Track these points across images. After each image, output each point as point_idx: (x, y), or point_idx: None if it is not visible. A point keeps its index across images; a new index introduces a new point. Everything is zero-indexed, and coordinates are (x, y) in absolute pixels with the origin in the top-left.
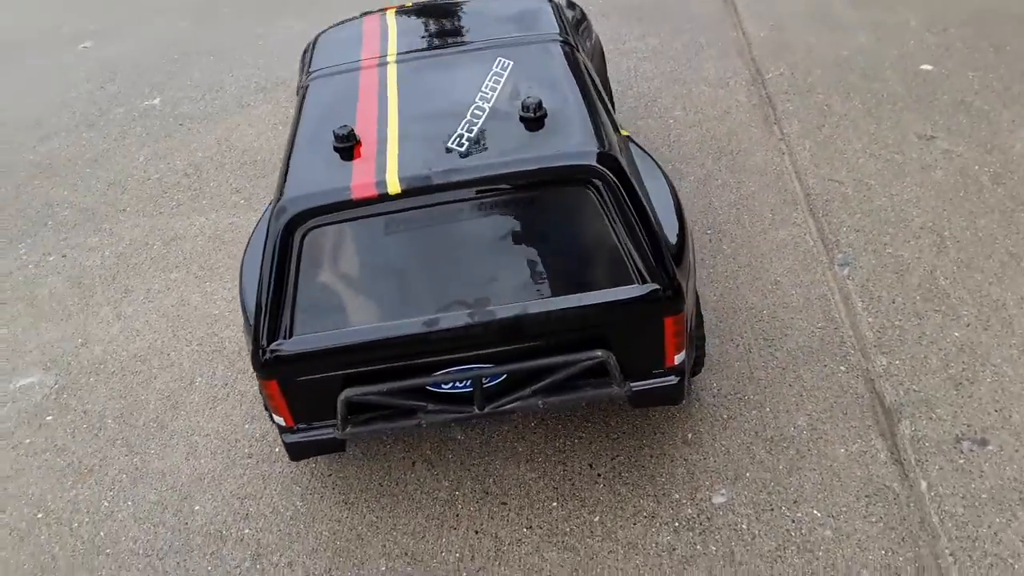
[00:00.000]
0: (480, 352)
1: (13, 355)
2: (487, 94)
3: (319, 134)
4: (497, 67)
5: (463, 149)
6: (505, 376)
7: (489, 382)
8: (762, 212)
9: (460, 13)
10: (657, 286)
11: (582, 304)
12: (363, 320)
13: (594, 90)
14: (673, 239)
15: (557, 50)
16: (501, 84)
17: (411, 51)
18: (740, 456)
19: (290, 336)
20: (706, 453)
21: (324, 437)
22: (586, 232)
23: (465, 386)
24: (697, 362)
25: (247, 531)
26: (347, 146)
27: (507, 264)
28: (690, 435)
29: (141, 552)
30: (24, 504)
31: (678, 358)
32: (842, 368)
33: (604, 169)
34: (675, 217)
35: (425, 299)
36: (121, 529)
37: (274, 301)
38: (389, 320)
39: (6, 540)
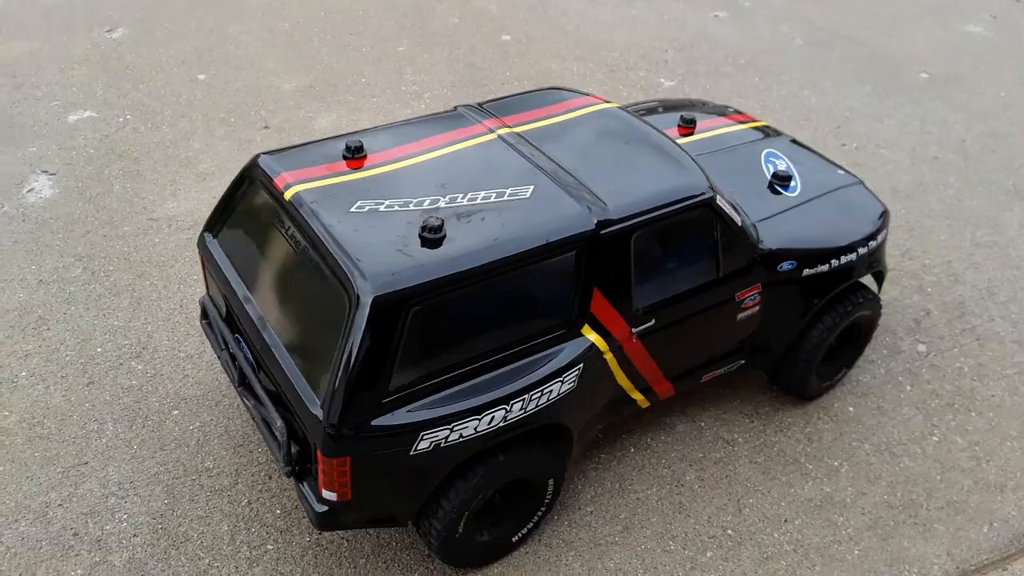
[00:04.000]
0: (252, 342)
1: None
2: (457, 198)
3: (382, 136)
4: (519, 184)
5: (355, 211)
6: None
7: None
8: None
9: (632, 132)
10: (320, 416)
11: (282, 365)
12: (232, 259)
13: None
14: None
15: (578, 221)
16: (490, 199)
17: (521, 137)
18: None
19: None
20: None
21: None
22: (332, 321)
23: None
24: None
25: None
26: (347, 155)
27: (297, 307)
28: None
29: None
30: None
31: (327, 494)
32: None
33: (365, 301)
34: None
35: (258, 282)
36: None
37: (223, 202)
38: (239, 274)
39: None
